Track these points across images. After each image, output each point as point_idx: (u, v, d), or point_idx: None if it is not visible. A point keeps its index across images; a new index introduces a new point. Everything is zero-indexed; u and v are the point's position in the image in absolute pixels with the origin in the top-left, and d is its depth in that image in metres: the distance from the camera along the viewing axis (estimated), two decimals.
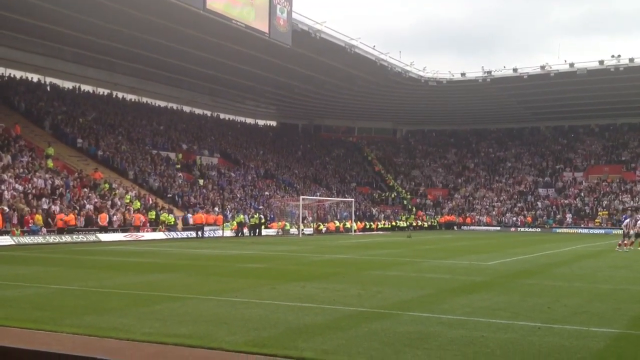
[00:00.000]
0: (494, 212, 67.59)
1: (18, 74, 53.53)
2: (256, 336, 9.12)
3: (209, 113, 72.37)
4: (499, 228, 63.43)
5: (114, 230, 35.53)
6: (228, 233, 43.10)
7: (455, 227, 64.54)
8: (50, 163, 40.25)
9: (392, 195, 72.92)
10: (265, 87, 61.60)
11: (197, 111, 70.75)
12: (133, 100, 63.33)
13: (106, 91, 60.72)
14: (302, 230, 47.59)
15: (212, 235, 41.47)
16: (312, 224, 51.58)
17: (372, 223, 58.79)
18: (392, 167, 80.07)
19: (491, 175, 75.42)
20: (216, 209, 46.12)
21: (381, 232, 55.32)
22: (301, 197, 49.78)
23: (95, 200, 37.96)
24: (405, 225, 61.23)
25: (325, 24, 48.65)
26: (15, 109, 48.34)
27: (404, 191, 74.05)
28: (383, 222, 60.91)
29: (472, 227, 64.37)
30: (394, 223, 61.29)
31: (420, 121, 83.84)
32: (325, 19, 61.72)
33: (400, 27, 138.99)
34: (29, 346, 7.30)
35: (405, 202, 71.90)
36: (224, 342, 8.71)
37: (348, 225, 53.25)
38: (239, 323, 10.10)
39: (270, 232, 46.83)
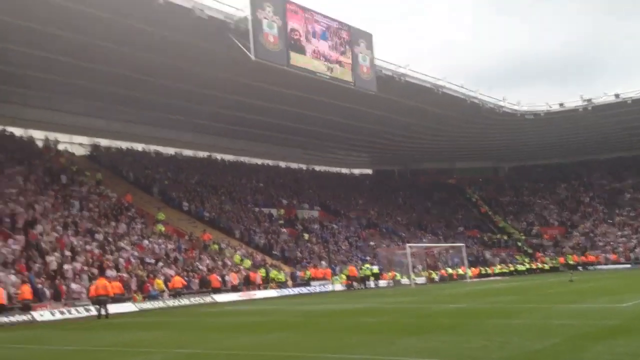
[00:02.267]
0: (620, 249, 63.12)
1: (124, 144, 55.84)
2: None
3: (304, 166, 72.93)
4: (629, 265, 58.51)
5: (227, 291, 35.64)
6: (338, 287, 42.48)
7: (579, 267, 59.28)
8: (161, 228, 41.22)
9: (505, 237, 69.90)
10: (355, 136, 61.48)
11: (293, 165, 71.43)
12: (231, 160, 64.72)
13: (205, 154, 62.38)
14: (414, 279, 46.27)
15: (322, 289, 40.96)
16: (423, 273, 50.16)
17: (487, 268, 56.47)
18: (499, 207, 77.18)
19: (610, 209, 70.97)
20: (323, 262, 45.74)
21: (499, 278, 53.01)
22: (407, 245, 48.52)
23: (207, 261, 38.39)
24: (524, 268, 58.43)
25: (409, 67, 48.22)
26: (125, 178, 50.25)
27: (516, 232, 70.90)
28: (499, 266, 58.40)
29: (599, 267, 59.42)
30: (512, 267, 58.59)
31: (521, 157, 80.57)
32: (407, 62, 60.85)
33: (485, 64, 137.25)
34: None
35: (519, 243, 68.60)
36: None
37: (461, 271, 51.45)
38: None
39: (381, 283, 45.78)
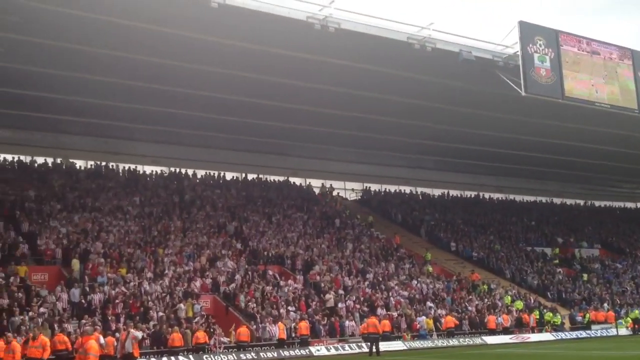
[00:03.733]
0: None
1: (392, 187, 57.99)
2: None
3: (581, 202, 68.51)
4: None
5: (498, 333, 34.68)
6: (623, 331, 38.84)
7: None
8: (429, 268, 41.78)
9: None
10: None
11: (569, 201, 67.57)
12: (500, 198, 63.39)
13: (472, 193, 61.99)
14: None
15: (604, 334, 37.80)
16: None
17: None
18: None
19: None
20: (605, 305, 42.28)
21: None
22: None
23: (476, 302, 37.88)
24: None
25: None
26: (393, 221, 52.06)
27: None
28: None
29: None
30: None
31: None
32: None
33: None
34: None
35: None
36: None
37: None
38: None
39: None
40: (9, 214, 32.72)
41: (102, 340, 16.29)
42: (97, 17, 26.18)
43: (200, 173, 46.95)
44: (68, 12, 25.74)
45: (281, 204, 45.89)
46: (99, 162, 42.84)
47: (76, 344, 21.81)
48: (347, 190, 57.42)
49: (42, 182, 37.79)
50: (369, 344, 27.49)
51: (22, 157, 40.54)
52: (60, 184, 37.90)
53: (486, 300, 38.77)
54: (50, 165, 40.76)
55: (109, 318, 25.54)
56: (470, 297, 38.78)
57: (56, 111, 35.87)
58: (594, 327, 38.49)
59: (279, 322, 28.37)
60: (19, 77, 31.17)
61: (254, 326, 28.56)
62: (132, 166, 44.18)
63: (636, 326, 39.25)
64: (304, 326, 28.65)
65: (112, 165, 43.02)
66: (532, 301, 40.70)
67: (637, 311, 40.61)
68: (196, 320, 27.80)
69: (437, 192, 60.65)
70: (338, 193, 54.52)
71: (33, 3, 24.82)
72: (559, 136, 45.30)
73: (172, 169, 46.14)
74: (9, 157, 40.02)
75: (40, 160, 40.97)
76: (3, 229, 30.83)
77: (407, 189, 58.97)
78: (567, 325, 38.60)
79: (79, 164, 43.01)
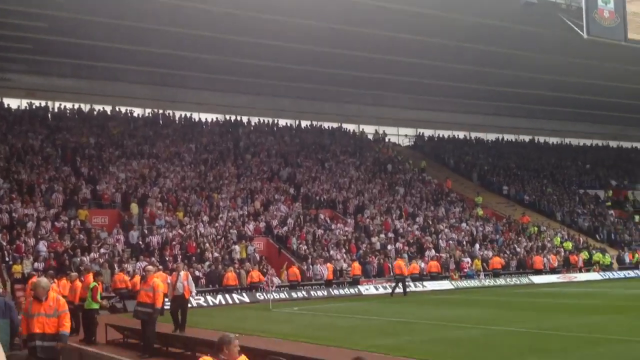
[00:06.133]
0: None
1: (446, 133, 57.83)
2: None
3: (638, 145, 66.86)
4: None
5: (546, 272, 35.04)
6: None
7: None
8: (480, 211, 42.09)
9: None
10: None
11: (625, 144, 66.05)
12: (555, 142, 62.48)
13: (527, 137, 61.27)
14: None
15: None
16: None
17: None
18: None
19: None
20: None
21: None
22: None
23: (525, 243, 38.16)
24: None
25: None
26: (446, 165, 52.21)
27: None
28: None
29: None
30: None
31: None
32: None
33: None
34: None
35: None
36: None
37: None
38: None
39: None
40: (70, 160, 34.39)
41: (168, 279, 17.42)
42: None
43: (254, 120, 47.94)
44: None
45: (334, 150, 46.59)
46: (155, 110, 44.22)
47: (132, 282, 23.05)
48: (400, 136, 57.52)
49: (101, 129, 39.35)
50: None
51: (82, 105, 42.09)
52: (119, 131, 39.41)
53: (536, 241, 39.00)
54: (109, 113, 42.31)
55: (167, 259, 27.00)
56: (520, 238, 39.06)
57: (114, 60, 37.07)
58: None
59: (328, 263, 29.46)
60: (78, 27, 32.27)
61: (305, 267, 29.75)
62: (188, 114, 45.41)
63: None
64: (357, 267, 29.73)
65: (169, 113, 44.34)
66: (582, 242, 40.73)
67: None
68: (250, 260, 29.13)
69: (491, 136, 60.23)
70: (390, 139, 54.78)
71: None
72: (618, 79, 44.22)
73: (227, 117, 47.26)
74: (69, 105, 41.58)
75: (98, 107, 42.56)
76: (66, 174, 32.50)
77: (460, 134, 58.72)
78: (615, 265, 38.59)
79: (137, 112, 44.48)
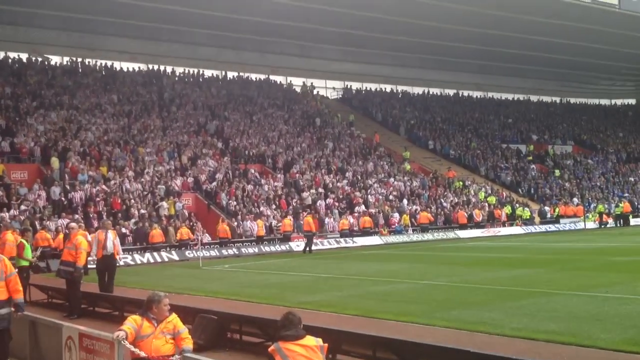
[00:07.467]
0: None
1: (373, 86, 58.01)
2: (636, 334, 8.34)
3: (557, 99, 69.14)
4: None
5: (471, 227, 36.03)
6: (590, 225, 40.45)
7: None
8: (407, 166, 42.68)
9: None
10: (619, 63, 56.25)
11: (545, 99, 68.14)
12: (479, 96, 63.78)
13: (452, 91, 62.24)
14: None
15: (572, 227, 39.38)
16: None
17: None
18: None
19: None
20: (575, 199, 43.75)
21: None
22: None
23: (451, 198, 39.03)
24: None
25: None
26: (374, 119, 52.50)
27: None
28: None
29: None
30: None
31: None
32: None
33: None
34: (404, 337, 7.76)
35: None
36: (599, 339, 8.26)
37: None
38: (614, 320, 9.41)
39: None
40: None
41: (89, 237, 16.71)
42: None
43: (179, 71, 46.56)
44: None
45: (262, 103, 45.96)
46: (74, 59, 42.23)
47: (56, 241, 22.40)
48: (328, 89, 57.33)
49: (17, 78, 37.32)
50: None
51: None
52: (36, 81, 37.51)
53: (460, 196, 39.95)
54: (24, 61, 40.08)
55: (91, 216, 26.12)
56: (447, 193, 39.91)
57: (28, 4, 34.88)
58: (562, 221, 39.97)
59: (258, 220, 29.26)
60: None
61: (235, 223, 29.46)
62: (109, 62, 43.62)
63: (603, 219, 40.81)
64: (287, 223, 29.57)
65: (89, 62, 42.47)
66: (505, 197, 42.01)
67: (601, 206, 41.97)
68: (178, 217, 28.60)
69: (417, 90, 60.82)
70: (319, 92, 54.48)
71: None
72: (540, 32, 45.19)
73: (150, 66, 45.68)
74: None
75: (13, 55, 40.19)
76: None
77: (387, 88, 59.01)
78: (537, 219, 40.07)
79: (55, 60, 42.34)
